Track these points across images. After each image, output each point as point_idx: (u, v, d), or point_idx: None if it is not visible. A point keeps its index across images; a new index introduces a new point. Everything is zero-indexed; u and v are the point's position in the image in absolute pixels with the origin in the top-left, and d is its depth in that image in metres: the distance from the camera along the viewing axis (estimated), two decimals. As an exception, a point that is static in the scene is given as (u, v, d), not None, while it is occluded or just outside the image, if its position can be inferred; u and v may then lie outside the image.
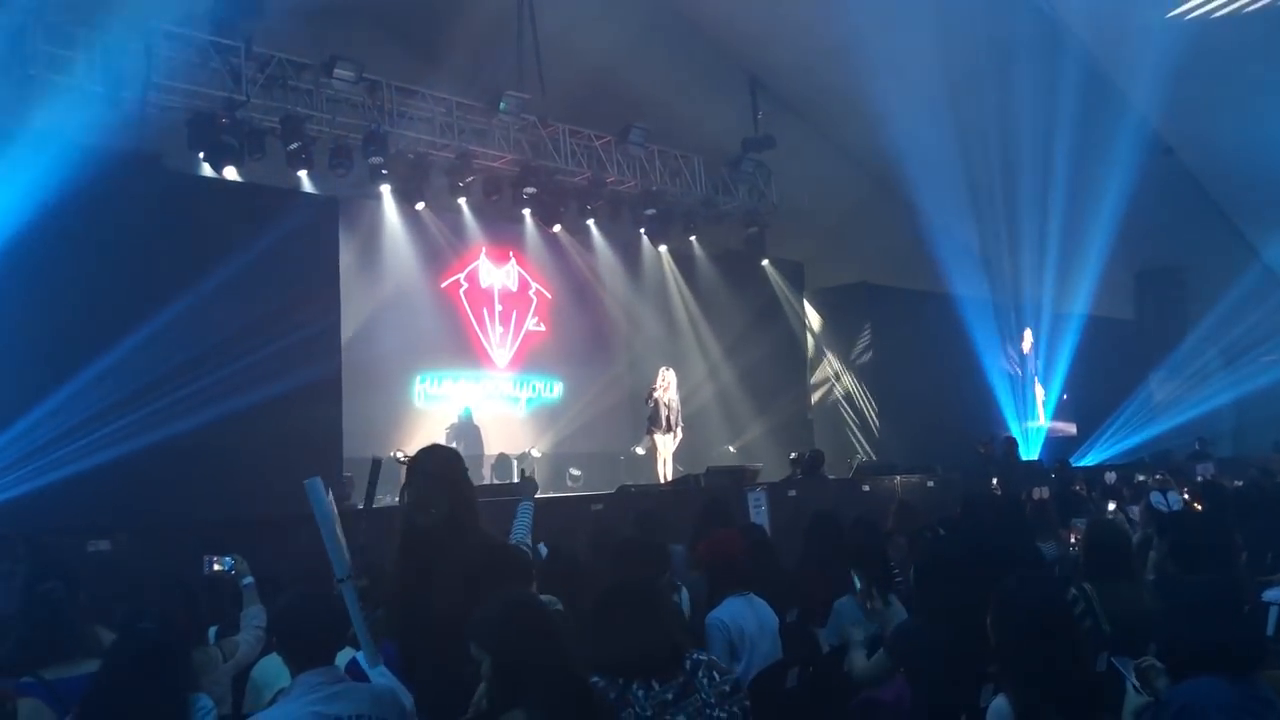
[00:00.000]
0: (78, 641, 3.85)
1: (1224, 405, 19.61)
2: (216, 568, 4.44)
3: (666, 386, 12.89)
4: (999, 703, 3.16)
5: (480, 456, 14.00)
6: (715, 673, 3.26)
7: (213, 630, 4.49)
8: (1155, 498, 9.27)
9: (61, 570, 4.79)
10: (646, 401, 12.96)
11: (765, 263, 17.99)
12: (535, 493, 6.02)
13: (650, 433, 12.95)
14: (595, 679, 3.15)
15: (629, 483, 12.45)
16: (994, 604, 3.32)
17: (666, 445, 12.89)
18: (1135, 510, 9.42)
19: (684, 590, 5.32)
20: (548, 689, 2.77)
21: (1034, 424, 20.07)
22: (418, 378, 14.42)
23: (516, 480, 12.68)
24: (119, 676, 3.16)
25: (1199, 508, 8.63)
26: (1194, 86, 15.48)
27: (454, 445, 13.70)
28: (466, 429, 14.15)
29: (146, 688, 3.11)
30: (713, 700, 3.18)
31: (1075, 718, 3.08)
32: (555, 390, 15.98)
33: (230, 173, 11.59)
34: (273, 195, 11.55)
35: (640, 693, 3.14)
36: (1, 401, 8.38)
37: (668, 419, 12.79)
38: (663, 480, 12.65)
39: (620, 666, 3.18)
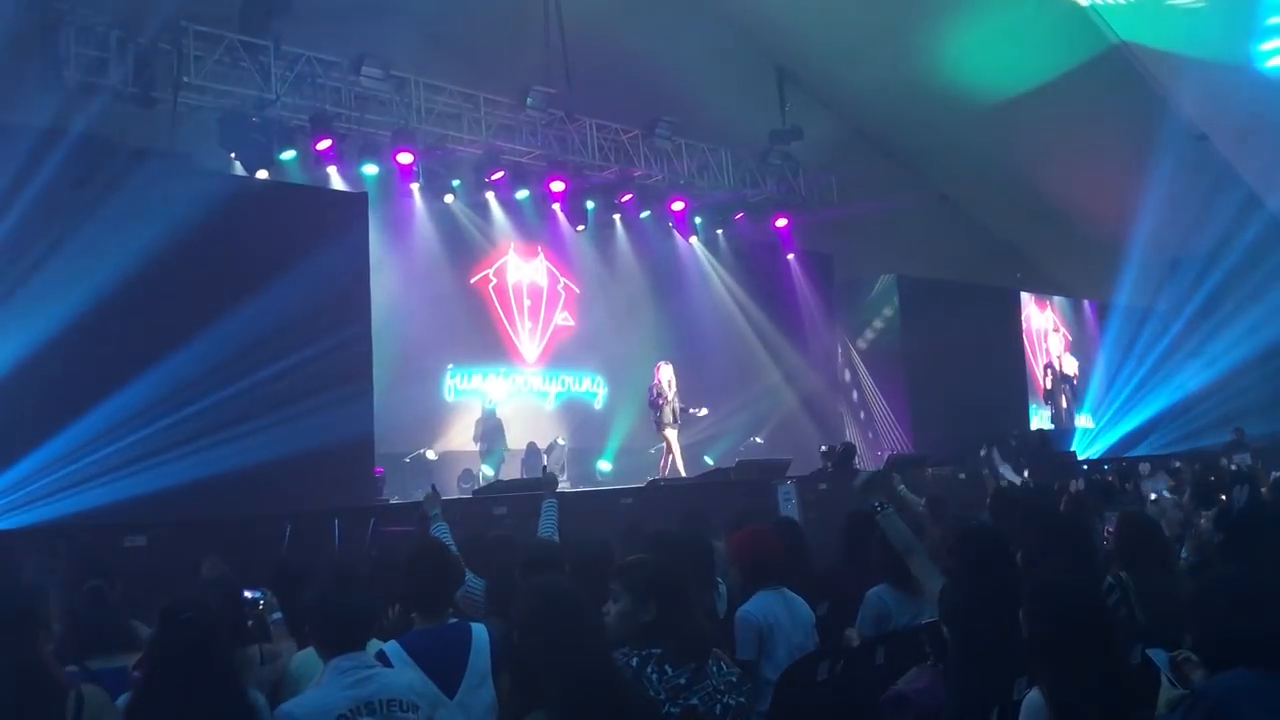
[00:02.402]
0: (118, 635, 3.93)
1: (1260, 394, 19.35)
2: (248, 594, 4.42)
3: (670, 382, 12.89)
4: (1034, 696, 3.13)
5: (502, 452, 14.02)
6: (723, 664, 3.39)
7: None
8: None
9: (99, 566, 4.87)
10: (656, 400, 12.90)
11: (792, 256, 17.92)
12: (556, 487, 6.05)
13: (662, 429, 12.91)
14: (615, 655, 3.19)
15: (658, 477, 12.47)
16: (1027, 596, 3.29)
17: (677, 439, 12.89)
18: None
19: (722, 585, 5.30)
20: (565, 686, 2.74)
21: (1074, 417, 19.90)
22: (448, 372, 14.48)
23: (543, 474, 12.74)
24: (168, 666, 3.18)
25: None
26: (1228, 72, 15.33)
27: (478, 441, 13.86)
28: (491, 424, 14.19)
29: (197, 676, 3.13)
30: (722, 688, 3.28)
31: (1111, 710, 3.06)
32: (586, 384, 16.00)
33: (260, 170, 11.70)
34: (302, 192, 11.64)
35: (654, 676, 3.21)
36: (33, 393, 8.48)
37: (674, 413, 12.81)
38: (664, 473, 12.63)
39: (645, 645, 3.26)
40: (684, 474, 12.62)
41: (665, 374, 12.97)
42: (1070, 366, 21.65)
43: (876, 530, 5.69)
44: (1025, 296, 21.27)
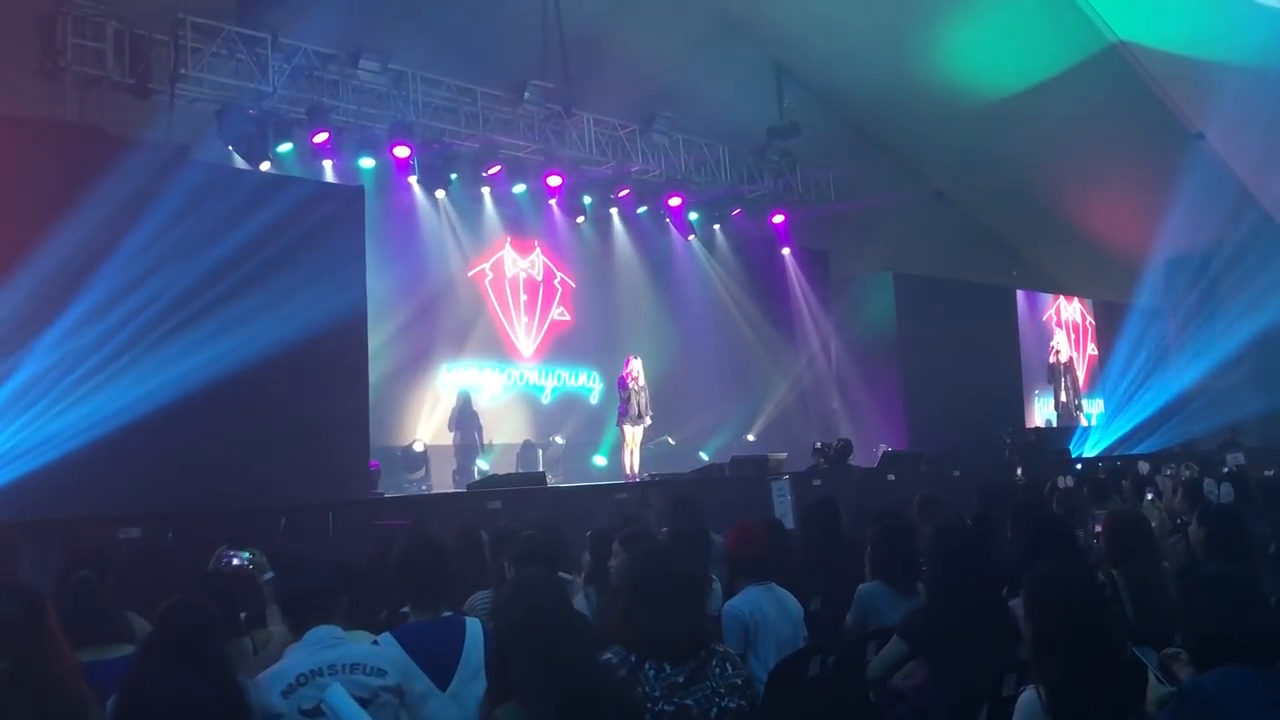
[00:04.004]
0: (111, 627, 3.92)
1: (1254, 394, 19.38)
2: (235, 562, 4.44)
3: (636, 376, 12.85)
4: (1029, 695, 3.10)
5: (476, 446, 14.00)
6: (729, 665, 3.25)
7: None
8: (1207, 485, 9.04)
9: (94, 557, 4.87)
10: (622, 391, 12.84)
11: (788, 251, 17.94)
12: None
13: (622, 423, 12.87)
14: (608, 655, 3.14)
15: (654, 472, 12.49)
16: (1027, 591, 3.27)
17: (636, 436, 12.87)
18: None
19: (716, 581, 5.31)
20: (540, 680, 2.69)
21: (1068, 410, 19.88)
22: (444, 366, 14.47)
23: (540, 469, 12.75)
24: (158, 657, 3.19)
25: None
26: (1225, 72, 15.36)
27: (452, 432, 13.79)
28: (465, 415, 14.12)
29: (187, 662, 3.15)
30: (722, 690, 3.17)
31: (1107, 708, 3.04)
32: (582, 379, 16.00)
33: (257, 163, 11.68)
34: (299, 185, 11.61)
35: (651, 672, 3.12)
36: (29, 385, 8.48)
37: (638, 408, 12.79)
38: (629, 471, 12.61)
39: (638, 642, 3.16)
40: (631, 471, 12.59)
41: (634, 368, 12.92)
42: (1077, 360, 21.65)
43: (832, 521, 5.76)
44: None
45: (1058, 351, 19.16)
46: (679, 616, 3.20)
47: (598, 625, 4.13)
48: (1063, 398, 18.93)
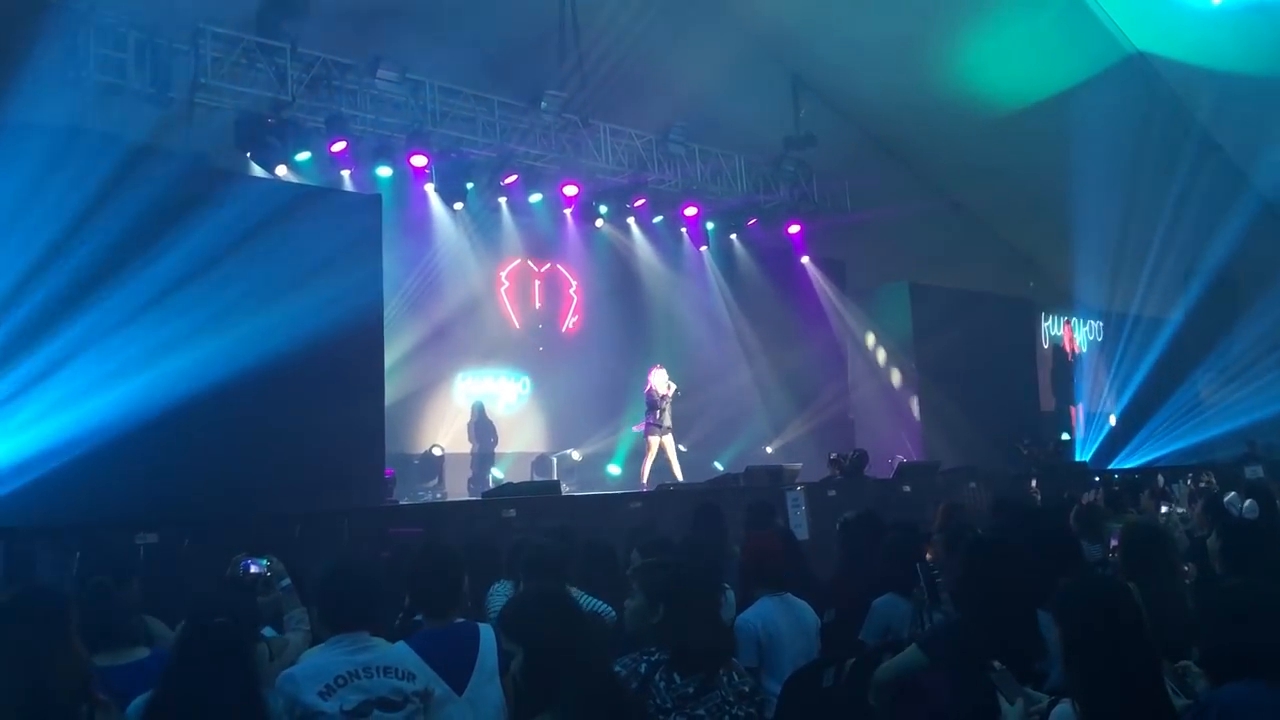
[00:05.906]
0: (127, 631, 3.95)
1: (1272, 407, 19.23)
2: (254, 569, 4.45)
3: (666, 392, 12.84)
4: (1063, 709, 3.05)
5: (492, 455, 14.05)
6: (735, 674, 3.32)
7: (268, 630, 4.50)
8: (1230, 499, 8.93)
9: (112, 562, 4.90)
10: (657, 402, 12.84)
11: (806, 261, 17.92)
12: None
13: (651, 434, 12.87)
14: (617, 666, 3.16)
15: (667, 482, 12.48)
16: (1061, 604, 3.21)
17: (668, 446, 12.87)
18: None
19: (730, 592, 5.29)
20: (578, 687, 2.74)
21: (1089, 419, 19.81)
22: (460, 375, 14.51)
23: (555, 478, 12.77)
24: (192, 671, 3.18)
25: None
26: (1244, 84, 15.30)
27: (471, 442, 13.86)
28: (481, 424, 14.24)
29: (221, 683, 3.15)
30: (731, 699, 3.22)
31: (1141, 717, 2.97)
32: (597, 388, 16.00)
33: (275, 171, 11.76)
34: (316, 194, 11.66)
35: (661, 684, 3.17)
36: (47, 391, 8.53)
37: (667, 418, 12.80)
38: (645, 481, 12.63)
39: (672, 649, 3.20)
40: (679, 478, 12.61)
41: (659, 379, 12.92)
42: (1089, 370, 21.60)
43: (876, 537, 5.68)
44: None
45: (1071, 356, 19.13)
46: (712, 626, 3.32)
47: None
48: (1070, 410, 18.90)
